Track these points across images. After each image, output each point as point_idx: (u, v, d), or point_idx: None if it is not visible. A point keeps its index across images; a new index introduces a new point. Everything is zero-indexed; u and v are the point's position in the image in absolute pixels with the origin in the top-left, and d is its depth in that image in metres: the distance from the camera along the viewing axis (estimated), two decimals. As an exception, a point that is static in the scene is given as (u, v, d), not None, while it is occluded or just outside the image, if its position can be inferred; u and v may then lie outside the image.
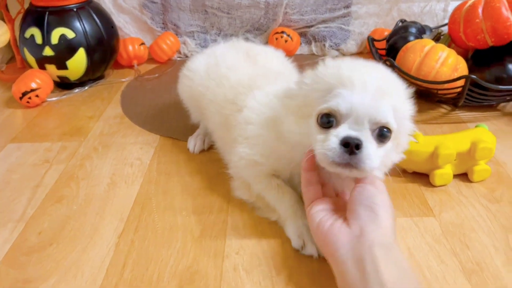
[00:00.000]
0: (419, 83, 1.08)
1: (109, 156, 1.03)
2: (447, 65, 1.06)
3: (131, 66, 1.54)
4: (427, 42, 1.11)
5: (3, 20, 1.46)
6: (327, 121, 0.62)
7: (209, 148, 1.04)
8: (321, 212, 0.66)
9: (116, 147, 1.07)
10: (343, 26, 1.57)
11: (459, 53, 1.22)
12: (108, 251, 0.75)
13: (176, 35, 1.62)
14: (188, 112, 1.10)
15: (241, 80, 0.90)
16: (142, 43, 1.54)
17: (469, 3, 1.10)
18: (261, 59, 1.00)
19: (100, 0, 1.55)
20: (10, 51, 1.60)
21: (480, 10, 1.06)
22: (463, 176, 0.90)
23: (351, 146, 0.59)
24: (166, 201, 0.87)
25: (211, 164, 0.98)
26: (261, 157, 0.78)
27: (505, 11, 1.03)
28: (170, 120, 1.18)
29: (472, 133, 0.89)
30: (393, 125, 0.62)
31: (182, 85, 1.06)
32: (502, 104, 1.17)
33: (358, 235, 0.58)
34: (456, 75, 1.05)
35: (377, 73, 0.65)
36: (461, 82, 1.05)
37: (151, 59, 1.60)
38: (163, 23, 1.62)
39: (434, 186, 0.87)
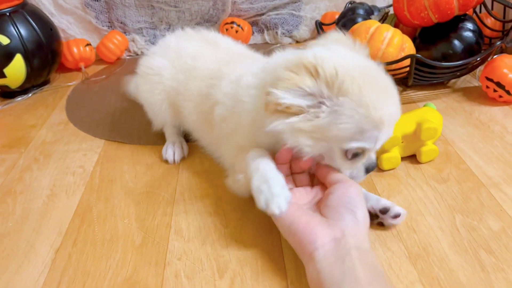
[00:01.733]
0: (366, 65, 1.05)
1: (50, 166, 0.98)
2: (392, 45, 1.04)
3: (78, 69, 1.48)
4: (372, 23, 1.08)
5: None
6: (359, 154, 0.66)
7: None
8: (293, 206, 0.63)
9: (58, 155, 1.02)
10: (294, 12, 1.54)
11: (407, 32, 1.20)
12: (43, 269, 0.70)
13: (124, 33, 1.56)
14: (139, 108, 1.02)
15: (211, 68, 0.85)
16: (88, 44, 1.48)
17: (413, -20, 1.08)
18: (223, 43, 0.95)
19: (38, 2, 1.48)
20: None
21: (422, -13, 1.05)
22: (412, 158, 0.88)
23: (370, 171, 0.70)
24: (108, 209, 0.83)
25: (157, 166, 0.94)
26: (245, 141, 0.73)
27: (447, -13, 1.01)
28: (116, 122, 1.13)
29: (417, 113, 0.87)
30: None
31: (144, 87, 0.97)
32: (452, 81, 1.16)
33: (339, 237, 0.57)
34: (402, 55, 1.03)
35: (396, 103, 0.65)
36: (407, 62, 1.03)
37: (99, 60, 1.55)
38: (109, 22, 1.56)
39: (382, 170, 0.85)
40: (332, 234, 0.58)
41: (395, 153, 0.85)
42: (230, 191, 0.78)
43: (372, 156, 0.69)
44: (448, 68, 1.06)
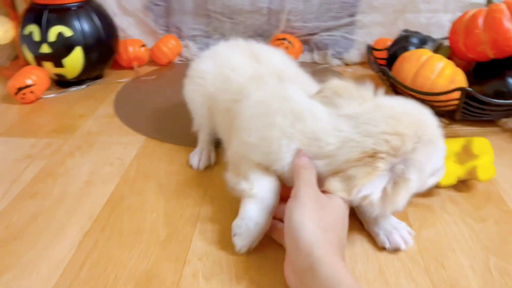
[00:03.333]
0: (414, 94, 1.04)
1: (92, 154, 1.02)
2: (443, 76, 1.02)
3: (131, 67, 1.54)
4: (424, 52, 1.07)
5: (8, 17, 1.48)
6: None
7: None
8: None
9: (100, 146, 1.06)
10: (346, 34, 1.54)
11: (461, 65, 1.17)
12: (70, 249, 0.73)
13: (179, 38, 1.61)
14: (191, 117, 1.02)
15: (238, 83, 0.86)
16: (143, 45, 1.54)
17: (470, 13, 1.06)
18: (264, 58, 0.94)
19: (104, 1, 1.56)
20: (15, 49, 1.62)
21: (480, 20, 1.02)
22: (451, 192, 0.85)
23: None
24: (139, 202, 0.85)
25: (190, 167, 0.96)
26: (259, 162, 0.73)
27: (507, 22, 0.98)
28: (159, 121, 1.16)
29: (461, 139, 0.87)
30: None
31: (190, 87, 0.99)
32: (503, 120, 1.12)
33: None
34: (452, 87, 1.00)
35: None
36: (457, 95, 1.00)
37: (152, 62, 1.60)
38: (166, 26, 1.62)
39: (416, 203, 0.83)
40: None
41: (449, 167, 0.79)
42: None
43: None
44: (499, 106, 1.02)
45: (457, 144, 0.85)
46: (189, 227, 0.78)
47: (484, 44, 1.02)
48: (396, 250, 0.71)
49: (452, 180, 0.83)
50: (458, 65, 1.17)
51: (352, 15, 1.53)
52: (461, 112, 1.06)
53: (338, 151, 0.64)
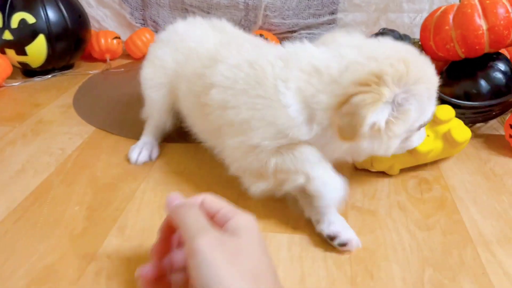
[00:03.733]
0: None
1: (34, 143, 0.98)
2: (409, 74, 0.95)
3: (103, 60, 1.50)
4: (390, 49, 1.00)
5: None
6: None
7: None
8: None
9: (46, 135, 1.02)
10: (326, 33, 1.47)
11: (438, 66, 1.10)
12: (-25, 240, 0.68)
13: (155, 31, 1.57)
14: (141, 103, 0.97)
15: (209, 48, 0.81)
16: (116, 37, 1.50)
17: (442, 9, 0.99)
18: (230, 28, 0.91)
19: (79, -9, 1.53)
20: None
21: (451, 16, 0.95)
22: (401, 197, 0.78)
23: None
24: (65, 194, 0.80)
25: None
26: (260, 139, 0.65)
27: (478, 19, 0.91)
28: (114, 114, 1.12)
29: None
30: None
31: (148, 69, 0.93)
32: (478, 125, 1.04)
33: None
34: (418, 87, 0.93)
35: None
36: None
37: (127, 55, 1.56)
38: (142, 19, 1.58)
39: (360, 207, 0.76)
40: None
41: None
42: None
43: None
44: (467, 108, 0.94)
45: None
46: (109, 223, 0.72)
47: (454, 41, 0.94)
48: (344, 245, 0.65)
49: (428, 146, 0.81)
50: (435, 66, 1.10)
51: (333, 13, 1.47)
52: (429, 114, 0.99)
53: (342, 74, 0.61)
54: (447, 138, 0.83)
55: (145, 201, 0.78)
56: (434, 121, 0.81)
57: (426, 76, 0.65)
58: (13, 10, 1.25)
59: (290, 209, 0.74)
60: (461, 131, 0.83)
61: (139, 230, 0.70)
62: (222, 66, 0.72)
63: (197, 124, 0.85)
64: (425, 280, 0.61)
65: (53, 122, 1.08)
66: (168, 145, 0.95)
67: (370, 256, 0.65)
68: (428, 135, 0.80)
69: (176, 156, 0.92)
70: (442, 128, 0.83)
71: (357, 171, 0.86)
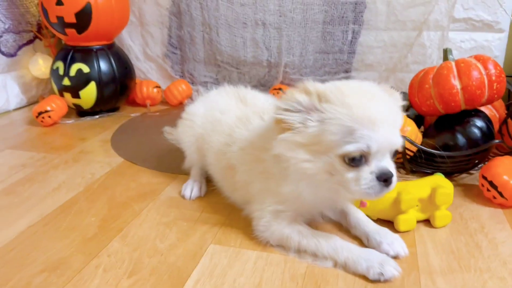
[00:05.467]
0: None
1: (73, 168, 1.18)
2: (392, 126, 1.07)
3: (144, 105, 1.73)
4: (379, 103, 1.12)
5: (50, 56, 1.76)
6: (359, 159, 0.68)
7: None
8: None
9: (83, 162, 1.22)
10: (341, 88, 1.62)
11: (430, 119, 1.21)
12: (11, 236, 0.86)
13: (192, 83, 1.79)
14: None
15: (230, 125, 0.94)
16: (157, 86, 1.74)
17: (425, 70, 1.11)
18: (251, 98, 1.03)
19: (130, 47, 1.80)
20: (55, 83, 1.89)
21: (431, 76, 1.07)
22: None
23: (389, 180, 0.69)
24: (87, 208, 0.97)
25: (147, 184, 1.07)
26: (281, 205, 0.81)
27: (453, 79, 1.02)
28: (142, 149, 1.31)
29: (431, 179, 0.93)
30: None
31: (181, 128, 1.10)
32: (461, 176, 1.12)
33: None
34: (400, 137, 1.05)
35: (385, 105, 0.70)
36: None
37: (166, 102, 1.78)
38: (181, 72, 1.82)
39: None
40: None
41: (411, 215, 0.87)
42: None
43: (383, 164, 0.69)
44: (446, 158, 1.04)
45: (425, 190, 0.89)
46: (115, 231, 0.88)
47: (434, 98, 1.06)
48: (396, 257, 0.78)
49: (412, 226, 0.88)
50: (428, 120, 1.21)
51: (346, 71, 1.62)
52: (413, 164, 1.09)
53: None
54: (430, 219, 0.90)
55: (150, 216, 0.93)
56: (430, 202, 0.88)
57: (350, 106, 0.67)
58: (73, 61, 1.51)
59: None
60: (443, 220, 0.89)
61: (138, 238, 0.86)
62: (237, 149, 0.88)
63: (224, 187, 0.99)
64: (366, 296, 0.70)
65: (91, 153, 1.29)
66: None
67: (322, 273, 0.75)
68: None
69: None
70: (431, 212, 0.89)
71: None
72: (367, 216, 0.90)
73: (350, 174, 0.69)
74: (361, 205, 0.89)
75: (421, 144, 1.08)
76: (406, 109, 1.29)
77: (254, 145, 0.84)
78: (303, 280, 0.74)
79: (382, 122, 0.67)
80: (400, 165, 1.13)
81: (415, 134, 1.09)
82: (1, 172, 1.16)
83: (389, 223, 0.89)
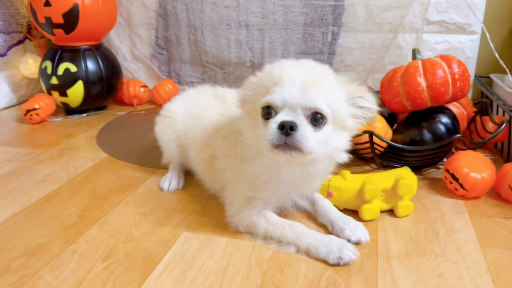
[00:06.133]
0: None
1: (57, 163, 1.22)
2: (362, 122, 1.12)
3: (131, 104, 1.77)
4: (351, 100, 1.17)
5: (40, 56, 1.81)
6: (267, 112, 0.76)
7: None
8: None
9: (68, 157, 1.26)
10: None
11: (403, 116, 1.26)
12: (-6, 224, 0.91)
13: (179, 83, 1.84)
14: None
15: (213, 120, 0.99)
16: (143, 86, 1.78)
17: (394, 69, 1.16)
18: (230, 98, 1.07)
19: (118, 48, 1.85)
20: (45, 83, 1.93)
21: (399, 75, 1.12)
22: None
23: (286, 128, 0.72)
24: (68, 199, 1.02)
25: (128, 178, 1.12)
26: (252, 191, 0.86)
27: (419, 77, 1.08)
28: (125, 145, 1.35)
29: (395, 172, 0.98)
30: (324, 110, 0.74)
31: (160, 125, 1.13)
32: (430, 170, 1.17)
33: None
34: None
35: (303, 69, 0.77)
36: (367, 139, 1.09)
37: (153, 101, 1.83)
38: (168, 72, 1.87)
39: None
40: None
41: (375, 205, 0.93)
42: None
43: (287, 116, 0.73)
44: (412, 152, 1.09)
45: (388, 182, 0.93)
46: (94, 220, 0.92)
47: (402, 96, 1.11)
48: (358, 243, 0.84)
49: (376, 215, 0.93)
50: (401, 117, 1.26)
51: (327, 72, 1.67)
52: (383, 158, 1.14)
53: None
54: (393, 209, 0.95)
55: (128, 206, 0.98)
56: (393, 193, 0.93)
57: (272, 71, 0.79)
58: (60, 60, 1.56)
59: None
60: (405, 209, 0.94)
61: (115, 226, 0.90)
62: (220, 138, 0.93)
63: (205, 180, 1.04)
64: (323, 277, 0.75)
65: (76, 149, 1.33)
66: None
67: (285, 257, 0.80)
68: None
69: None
70: (394, 202, 0.94)
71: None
72: (335, 206, 0.95)
73: (264, 128, 0.76)
74: (328, 195, 0.95)
75: (391, 140, 1.14)
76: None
77: (231, 130, 0.89)
78: (268, 264, 0.78)
79: (293, 82, 0.74)
80: (371, 160, 1.18)
81: (385, 130, 1.14)
82: (-12, 166, 1.20)
83: (355, 213, 0.94)
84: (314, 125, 0.74)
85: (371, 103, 0.79)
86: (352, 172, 0.98)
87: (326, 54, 1.65)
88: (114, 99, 1.76)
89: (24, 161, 1.23)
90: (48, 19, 1.50)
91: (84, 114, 1.66)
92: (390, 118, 1.26)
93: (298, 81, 0.74)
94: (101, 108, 1.71)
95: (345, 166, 1.18)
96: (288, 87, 0.74)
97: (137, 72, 1.89)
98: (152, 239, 0.86)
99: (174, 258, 0.80)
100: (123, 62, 1.84)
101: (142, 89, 1.78)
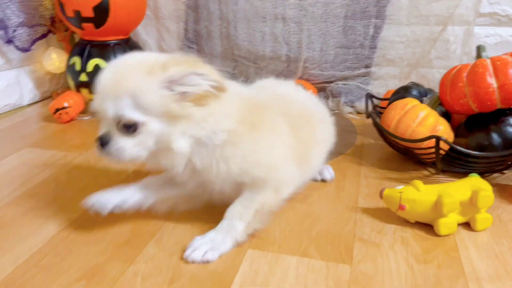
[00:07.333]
0: (394, 139, 1.07)
1: (96, 168, 1.16)
2: (425, 125, 1.05)
3: (160, 101, 1.70)
4: (410, 101, 1.10)
5: (64, 50, 1.73)
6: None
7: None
8: None
9: (105, 162, 1.19)
10: (361, 84, 1.60)
11: (459, 119, 1.19)
12: (41, 241, 0.84)
13: (207, 78, 1.76)
14: None
15: None
16: (173, 82, 1.70)
17: (457, 68, 1.09)
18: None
19: (145, 42, 1.77)
20: (68, 78, 1.86)
21: (465, 74, 1.04)
22: (406, 234, 0.86)
23: (99, 143, 0.73)
24: (116, 210, 0.95)
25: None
26: None
27: (489, 78, 1.00)
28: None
29: (469, 181, 0.90)
30: (128, 116, 0.69)
31: None
32: (494, 175, 1.10)
33: None
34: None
35: (108, 73, 0.72)
36: (433, 143, 1.02)
37: (181, 97, 1.76)
38: (197, 67, 1.78)
39: (366, 239, 0.85)
40: None
41: (452, 218, 0.85)
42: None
43: (100, 128, 0.74)
44: (480, 158, 1.02)
45: (465, 193, 0.87)
46: (148, 235, 0.86)
47: (468, 97, 1.04)
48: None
49: (453, 230, 0.86)
50: (456, 118, 1.19)
51: (367, 67, 1.59)
52: (446, 163, 1.08)
53: None
54: (470, 222, 0.88)
55: (180, 221, 0.91)
56: (471, 205, 0.86)
57: None
58: (90, 56, 1.48)
59: (303, 235, 0.85)
60: (484, 223, 0.87)
61: (172, 243, 0.84)
62: None
63: None
64: (413, 304, 0.69)
65: (113, 152, 1.26)
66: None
67: (368, 281, 0.74)
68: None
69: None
70: (472, 215, 0.87)
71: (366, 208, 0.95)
72: (406, 219, 0.89)
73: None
74: (400, 208, 0.88)
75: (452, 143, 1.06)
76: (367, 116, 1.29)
77: None
78: (348, 286, 0.72)
79: (98, 89, 0.71)
80: (431, 164, 1.11)
81: (447, 133, 1.07)
82: (24, 172, 1.13)
83: (429, 226, 0.87)
84: (128, 132, 0.71)
85: (203, 77, 0.70)
86: (408, 178, 0.91)
87: (367, 48, 1.57)
88: (142, 96, 1.68)
89: (60, 166, 1.17)
90: (77, 13, 1.42)
91: (113, 112, 1.59)
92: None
93: (101, 90, 0.71)
94: (130, 105, 1.64)
95: (399, 170, 1.13)
96: (96, 95, 0.71)
97: (164, 66, 1.81)
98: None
99: (246, 281, 0.74)
100: (151, 56, 1.75)
101: (171, 85, 1.70)
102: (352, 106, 1.58)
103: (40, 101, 1.75)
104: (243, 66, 1.73)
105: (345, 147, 1.28)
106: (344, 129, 1.42)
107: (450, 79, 1.08)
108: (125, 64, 0.74)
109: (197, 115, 0.73)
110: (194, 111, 0.72)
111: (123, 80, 0.70)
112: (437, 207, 0.85)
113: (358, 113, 1.59)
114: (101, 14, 1.42)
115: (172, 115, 0.71)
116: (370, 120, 1.51)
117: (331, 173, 1.06)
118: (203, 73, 0.71)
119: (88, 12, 1.41)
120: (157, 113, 0.70)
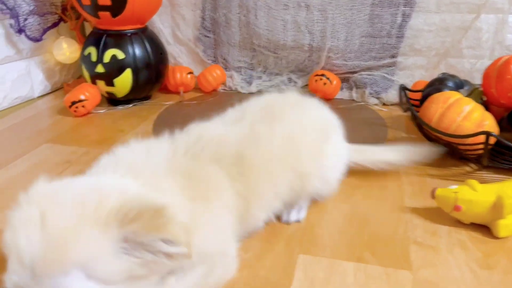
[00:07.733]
0: (438, 135, 1.02)
1: (122, 165, 1.10)
2: (470, 119, 1.00)
3: (177, 92, 1.64)
4: (452, 94, 1.05)
5: (75, 40, 1.66)
6: None
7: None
8: None
9: (131, 158, 1.14)
10: (386, 75, 1.54)
11: (498, 112, 1.14)
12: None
13: (225, 68, 1.70)
14: None
15: None
16: (190, 72, 1.64)
17: (504, 59, 1.04)
18: None
19: (159, 30, 1.70)
20: (79, 68, 1.79)
21: (512, 66, 1.00)
22: (462, 236, 0.82)
23: None
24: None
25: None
26: None
27: (540, 70, 0.96)
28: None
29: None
30: None
31: None
32: (538, 171, 1.06)
33: None
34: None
35: (39, 233, 0.49)
36: (482, 139, 0.97)
37: (198, 89, 1.70)
38: (214, 57, 1.72)
39: (422, 242, 0.81)
40: None
41: (511, 220, 0.81)
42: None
43: None
44: (530, 155, 0.98)
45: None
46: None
47: (516, 90, 0.99)
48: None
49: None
50: (495, 111, 1.14)
51: (393, 56, 1.54)
52: (489, 159, 1.03)
53: None
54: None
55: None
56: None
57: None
58: (106, 46, 1.41)
59: (354, 238, 0.80)
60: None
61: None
62: None
63: None
64: (486, 315, 0.65)
65: (136, 147, 1.20)
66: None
67: (429, 285, 0.70)
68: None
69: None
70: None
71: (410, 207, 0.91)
72: (460, 220, 0.84)
73: None
74: (455, 209, 0.84)
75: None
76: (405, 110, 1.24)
77: None
78: (414, 296, 0.68)
79: (22, 259, 0.49)
80: (474, 160, 1.07)
81: (494, 128, 1.02)
82: (47, 169, 1.08)
83: (485, 228, 0.83)
84: None
85: (171, 244, 0.52)
86: (450, 174, 0.87)
87: (394, 37, 1.51)
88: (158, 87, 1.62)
89: (84, 163, 1.11)
90: (93, 1, 1.35)
91: (130, 105, 1.53)
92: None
93: (26, 260, 0.48)
94: (147, 98, 1.58)
95: (439, 166, 1.09)
96: (17, 267, 0.49)
97: (180, 56, 1.74)
98: (267, 265, 0.75)
99: (303, 290, 0.69)
100: (166, 46, 1.68)
101: (189, 75, 1.64)
102: (377, 98, 1.53)
103: (50, 92, 1.68)
104: (262, 56, 1.67)
105: (377, 142, 1.23)
106: (372, 122, 1.37)
107: (496, 71, 1.03)
108: (64, 221, 0.50)
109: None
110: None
111: (67, 244, 0.49)
112: (497, 208, 0.81)
113: (384, 104, 1.53)
114: (119, 2, 1.35)
115: (136, 276, 0.53)
116: (397, 112, 1.47)
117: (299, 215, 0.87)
118: (172, 240, 0.52)
119: (106, 0, 1.34)
120: (120, 280, 0.52)
